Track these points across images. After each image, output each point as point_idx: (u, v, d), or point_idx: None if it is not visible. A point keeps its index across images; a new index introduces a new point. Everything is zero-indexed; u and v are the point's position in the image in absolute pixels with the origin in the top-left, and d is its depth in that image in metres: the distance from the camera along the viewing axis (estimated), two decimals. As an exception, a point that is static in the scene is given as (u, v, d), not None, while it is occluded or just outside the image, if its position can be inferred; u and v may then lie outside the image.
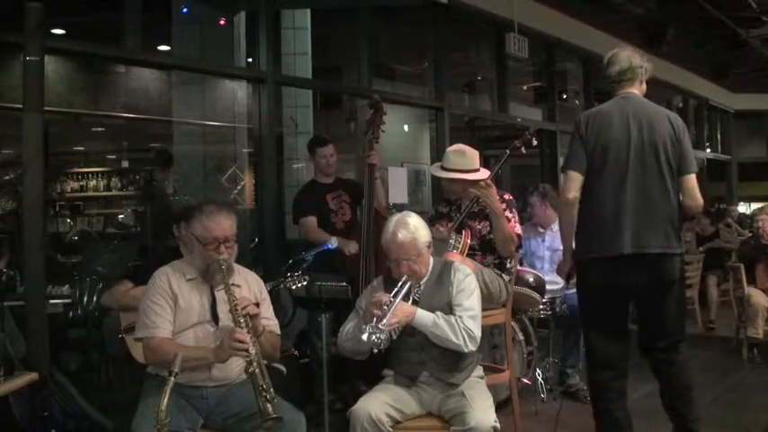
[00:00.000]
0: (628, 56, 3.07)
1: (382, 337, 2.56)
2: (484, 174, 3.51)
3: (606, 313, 3.00)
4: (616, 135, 2.93)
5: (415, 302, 2.78)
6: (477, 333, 2.72)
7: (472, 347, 2.71)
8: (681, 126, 2.98)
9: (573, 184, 2.93)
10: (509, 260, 3.69)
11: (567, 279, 3.21)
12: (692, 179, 2.97)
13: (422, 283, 2.85)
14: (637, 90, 3.08)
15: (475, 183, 3.46)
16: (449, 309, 2.77)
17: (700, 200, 3.00)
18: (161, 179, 6.37)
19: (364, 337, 2.55)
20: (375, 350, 2.62)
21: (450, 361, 2.77)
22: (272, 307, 2.86)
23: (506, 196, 3.58)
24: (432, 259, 2.91)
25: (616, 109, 3.00)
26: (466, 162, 3.52)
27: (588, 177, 2.95)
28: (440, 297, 2.81)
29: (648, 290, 2.94)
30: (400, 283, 2.73)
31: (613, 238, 2.88)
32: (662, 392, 3.06)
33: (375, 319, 2.58)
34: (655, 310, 2.99)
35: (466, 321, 2.70)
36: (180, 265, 2.73)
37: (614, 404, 2.98)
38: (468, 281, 2.83)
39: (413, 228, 2.77)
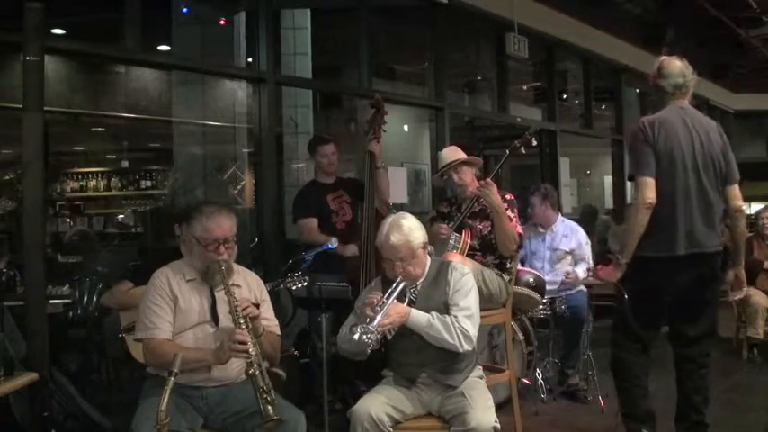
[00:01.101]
0: (681, 70, 3.22)
1: (373, 338, 2.55)
2: (477, 160, 3.80)
3: (657, 310, 3.18)
4: (682, 142, 3.11)
5: (411, 302, 2.78)
6: (473, 332, 2.71)
7: (468, 347, 2.70)
8: (726, 139, 3.27)
9: (650, 189, 3.05)
10: (509, 260, 3.70)
11: (618, 283, 3.29)
12: (737, 187, 3.28)
13: (418, 282, 2.84)
14: (687, 100, 3.26)
15: (470, 163, 3.73)
16: (445, 308, 2.76)
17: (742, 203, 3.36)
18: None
19: (355, 337, 2.55)
20: (369, 350, 2.61)
21: (448, 363, 2.76)
22: (272, 307, 2.85)
23: (507, 196, 3.62)
24: (429, 259, 2.91)
25: (678, 118, 3.16)
26: (456, 154, 3.77)
27: (657, 181, 3.08)
28: (436, 297, 2.80)
29: (698, 284, 3.15)
30: (394, 284, 2.73)
31: (682, 238, 3.08)
32: (685, 395, 3.21)
33: (367, 320, 2.58)
34: (697, 302, 3.20)
35: (461, 321, 2.69)
36: (180, 265, 2.72)
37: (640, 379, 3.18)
38: (464, 280, 2.82)
39: (406, 230, 2.77)
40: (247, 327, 2.46)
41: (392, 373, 2.87)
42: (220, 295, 2.61)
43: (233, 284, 2.61)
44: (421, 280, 2.85)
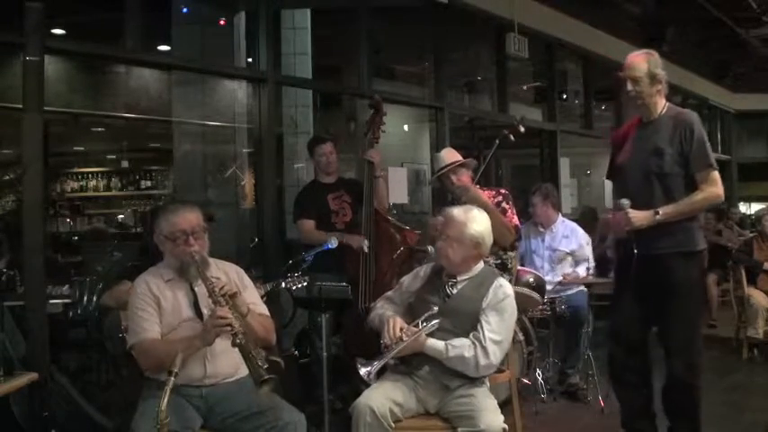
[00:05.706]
0: None
1: (373, 372, 2.60)
2: (471, 161, 3.96)
3: None
4: None
5: (447, 297, 2.79)
6: (486, 362, 2.68)
7: (484, 373, 2.73)
8: None
9: None
10: (509, 260, 3.71)
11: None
12: None
13: (460, 278, 2.83)
14: None
15: (465, 165, 3.89)
16: (474, 318, 2.74)
17: None
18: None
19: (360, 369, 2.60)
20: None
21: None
22: (257, 292, 2.89)
23: (502, 191, 3.68)
24: (481, 266, 2.90)
25: None
26: (454, 156, 3.93)
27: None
28: (471, 303, 2.78)
29: None
30: (428, 320, 2.72)
31: None
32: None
33: (384, 351, 2.64)
34: None
35: (488, 345, 2.67)
36: (156, 269, 2.74)
37: None
38: (506, 303, 2.78)
39: (470, 216, 2.80)
40: (228, 303, 2.48)
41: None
42: (201, 290, 2.62)
43: (212, 278, 2.62)
44: (465, 278, 2.84)
